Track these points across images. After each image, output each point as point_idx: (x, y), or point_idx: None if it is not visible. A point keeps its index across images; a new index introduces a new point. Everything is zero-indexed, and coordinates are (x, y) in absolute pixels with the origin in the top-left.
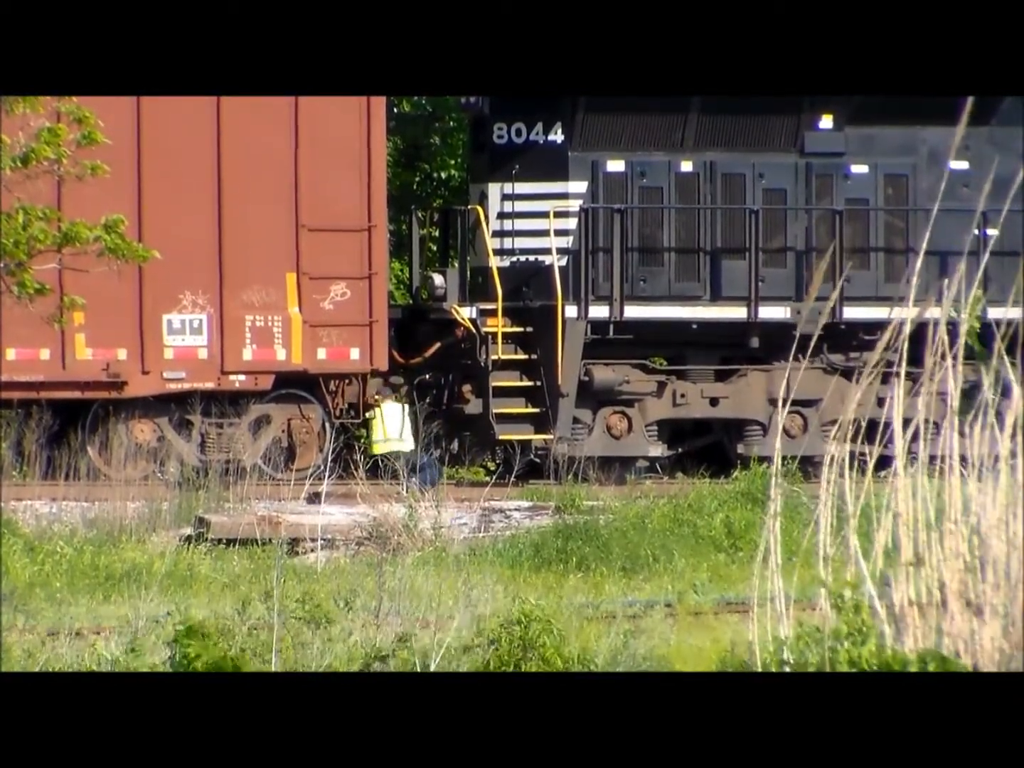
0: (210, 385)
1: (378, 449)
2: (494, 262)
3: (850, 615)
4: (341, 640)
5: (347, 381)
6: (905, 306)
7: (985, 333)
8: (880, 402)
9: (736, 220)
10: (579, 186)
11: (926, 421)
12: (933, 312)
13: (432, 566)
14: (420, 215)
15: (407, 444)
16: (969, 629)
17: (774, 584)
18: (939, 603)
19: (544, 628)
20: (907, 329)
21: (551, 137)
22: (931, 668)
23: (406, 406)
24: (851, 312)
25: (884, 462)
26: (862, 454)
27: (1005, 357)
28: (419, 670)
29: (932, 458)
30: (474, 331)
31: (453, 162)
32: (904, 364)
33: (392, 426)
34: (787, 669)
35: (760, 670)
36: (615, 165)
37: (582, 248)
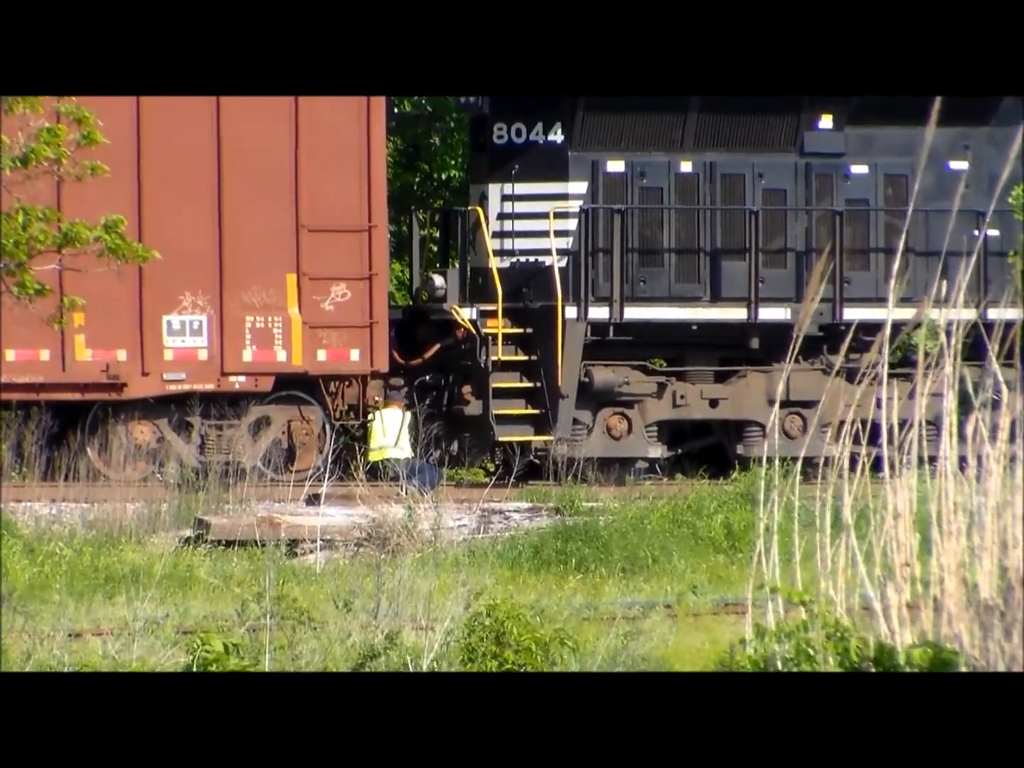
0: (210, 386)
1: (373, 456)
2: (494, 263)
3: (826, 615)
4: (340, 641)
5: (347, 382)
6: (900, 306)
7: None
8: (880, 403)
9: (736, 221)
10: (579, 186)
11: (928, 423)
12: (932, 313)
13: (431, 567)
14: (420, 216)
15: (403, 452)
16: (968, 629)
17: (773, 584)
18: (936, 603)
19: (510, 614)
20: (887, 331)
21: (551, 137)
22: (922, 660)
23: (408, 414)
24: (851, 313)
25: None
26: (859, 455)
27: (995, 359)
28: (409, 670)
29: (932, 459)
30: (474, 332)
31: (453, 162)
32: (885, 365)
33: (390, 432)
34: (778, 662)
35: (748, 668)
36: (615, 165)
37: (582, 249)
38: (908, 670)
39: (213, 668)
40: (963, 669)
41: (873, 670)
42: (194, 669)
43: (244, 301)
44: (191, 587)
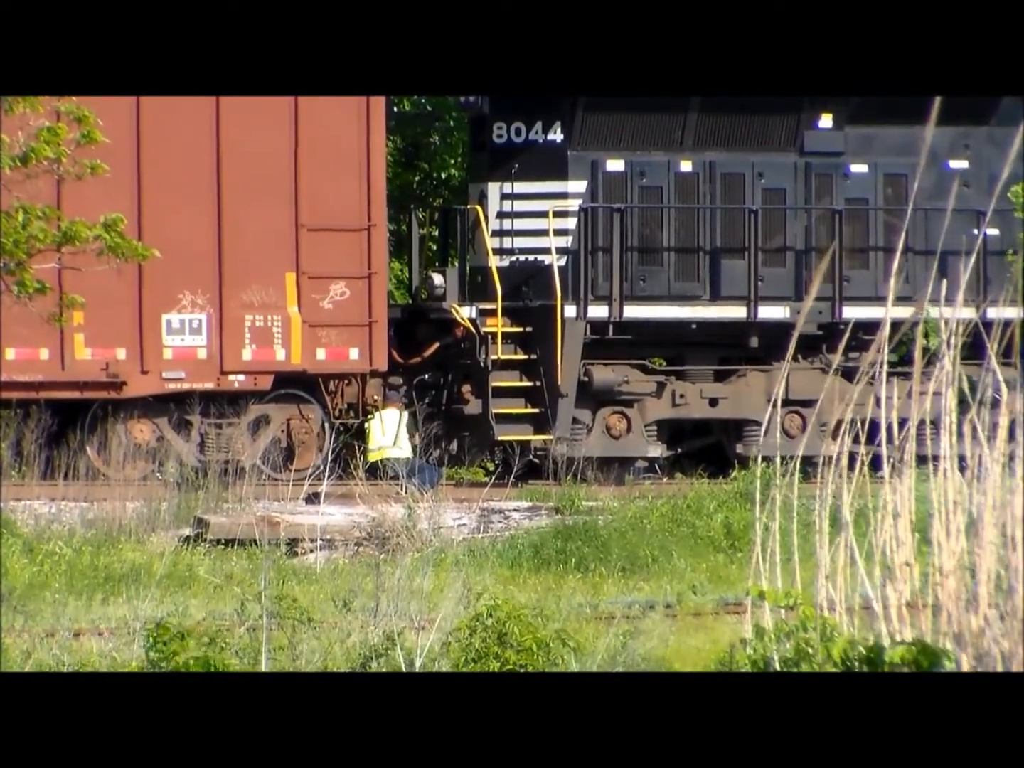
0: (209, 385)
1: (372, 456)
2: (493, 262)
3: (813, 616)
4: (340, 641)
5: (346, 381)
6: (899, 305)
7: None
8: (880, 402)
9: (735, 220)
10: (578, 185)
11: (929, 422)
12: (928, 311)
13: (431, 567)
14: (420, 215)
15: (403, 452)
16: (966, 628)
17: (772, 583)
18: (934, 603)
19: (511, 615)
20: (886, 330)
21: (550, 136)
22: (905, 658)
23: (405, 413)
24: (850, 312)
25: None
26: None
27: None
28: (404, 670)
29: (933, 458)
30: (473, 331)
31: (453, 161)
32: (885, 364)
33: (388, 433)
34: (775, 663)
35: (748, 668)
36: (614, 165)
37: (581, 248)
38: (898, 670)
39: (179, 659)
40: (960, 668)
41: (865, 670)
42: (154, 658)
43: (243, 300)
44: (191, 586)
